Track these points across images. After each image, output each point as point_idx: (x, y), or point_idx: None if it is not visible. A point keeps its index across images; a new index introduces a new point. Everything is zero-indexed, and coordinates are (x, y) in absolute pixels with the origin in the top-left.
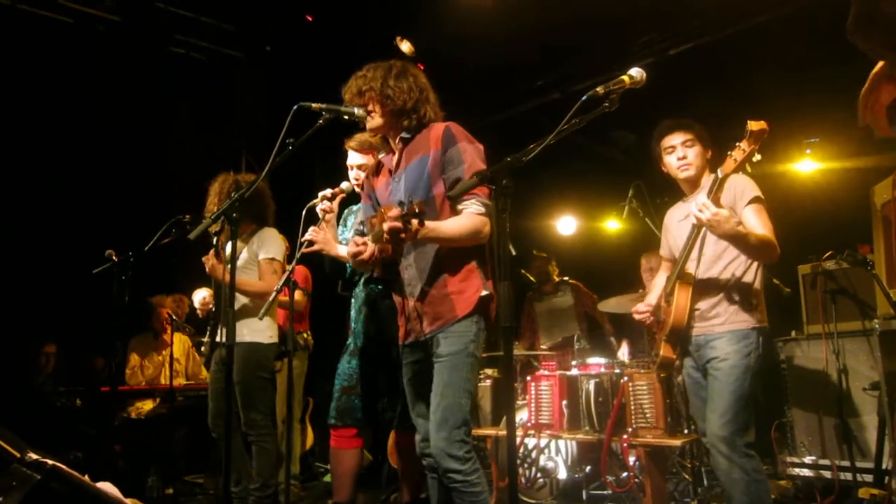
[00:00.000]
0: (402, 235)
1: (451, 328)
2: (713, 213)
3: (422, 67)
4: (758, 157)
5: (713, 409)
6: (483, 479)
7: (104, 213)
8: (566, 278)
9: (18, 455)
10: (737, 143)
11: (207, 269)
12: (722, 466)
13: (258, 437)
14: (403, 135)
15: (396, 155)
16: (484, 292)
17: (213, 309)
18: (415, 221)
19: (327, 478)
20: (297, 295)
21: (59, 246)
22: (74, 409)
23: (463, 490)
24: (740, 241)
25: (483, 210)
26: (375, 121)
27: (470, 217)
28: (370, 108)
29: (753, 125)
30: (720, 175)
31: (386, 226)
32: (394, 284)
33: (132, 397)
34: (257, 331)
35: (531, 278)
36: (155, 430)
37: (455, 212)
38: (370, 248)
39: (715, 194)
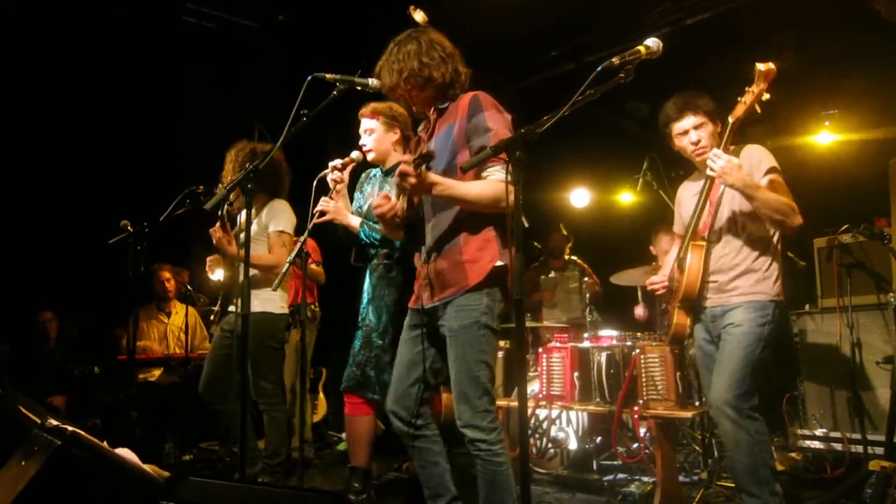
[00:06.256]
0: (412, 180)
1: (459, 299)
2: (726, 159)
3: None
4: (767, 96)
5: (720, 372)
6: (507, 450)
7: (118, 184)
8: (574, 258)
9: (39, 421)
10: (745, 88)
11: (214, 241)
12: (727, 429)
13: (268, 406)
14: (439, 105)
15: (431, 125)
16: (499, 263)
17: (223, 278)
18: (423, 167)
19: (341, 446)
20: (315, 266)
21: (72, 216)
22: (92, 377)
23: (486, 458)
24: (755, 194)
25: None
26: (419, 103)
27: (493, 183)
28: (413, 93)
29: (761, 66)
30: (730, 121)
31: (399, 169)
32: (416, 248)
33: (148, 366)
34: (268, 300)
35: (539, 248)
36: (171, 398)
37: (479, 178)
38: (392, 202)
39: (726, 141)
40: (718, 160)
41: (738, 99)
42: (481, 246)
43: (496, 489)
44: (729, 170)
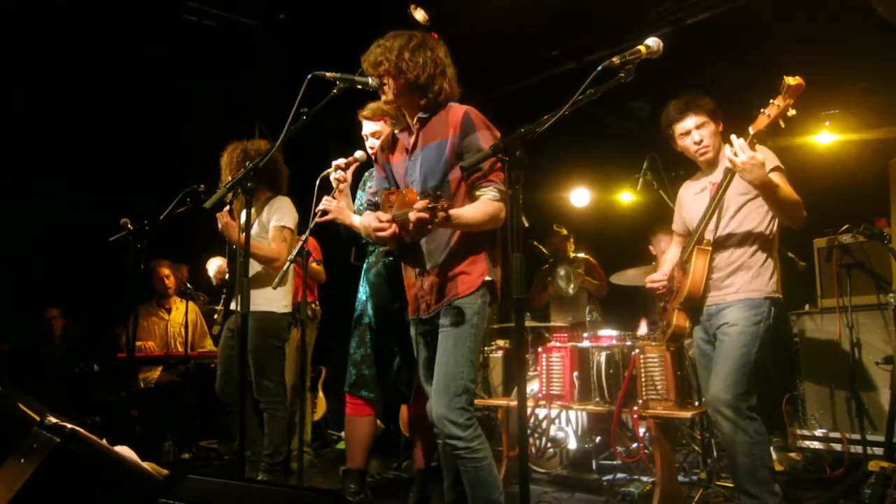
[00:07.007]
0: (429, 227)
1: (455, 302)
2: (750, 155)
3: (436, 36)
4: (793, 112)
5: (717, 372)
6: (486, 445)
7: (118, 183)
8: (580, 255)
9: (38, 419)
10: (770, 100)
11: (220, 227)
12: (725, 430)
13: (269, 405)
14: (420, 114)
15: (414, 134)
16: (488, 277)
17: (227, 277)
18: (441, 214)
19: (340, 445)
20: (316, 265)
21: (72, 216)
22: (92, 375)
23: (465, 457)
24: (771, 190)
25: (499, 196)
26: (389, 94)
27: (488, 204)
28: (384, 80)
29: (790, 80)
30: (751, 132)
31: (413, 216)
32: (406, 259)
33: (146, 365)
34: (271, 300)
35: (544, 251)
36: (170, 396)
37: (471, 196)
38: (392, 228)
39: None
40: (742, 154)
41: (762, 110)
42: (472, 261)
43: (480, 484)
44: (751, 166)
